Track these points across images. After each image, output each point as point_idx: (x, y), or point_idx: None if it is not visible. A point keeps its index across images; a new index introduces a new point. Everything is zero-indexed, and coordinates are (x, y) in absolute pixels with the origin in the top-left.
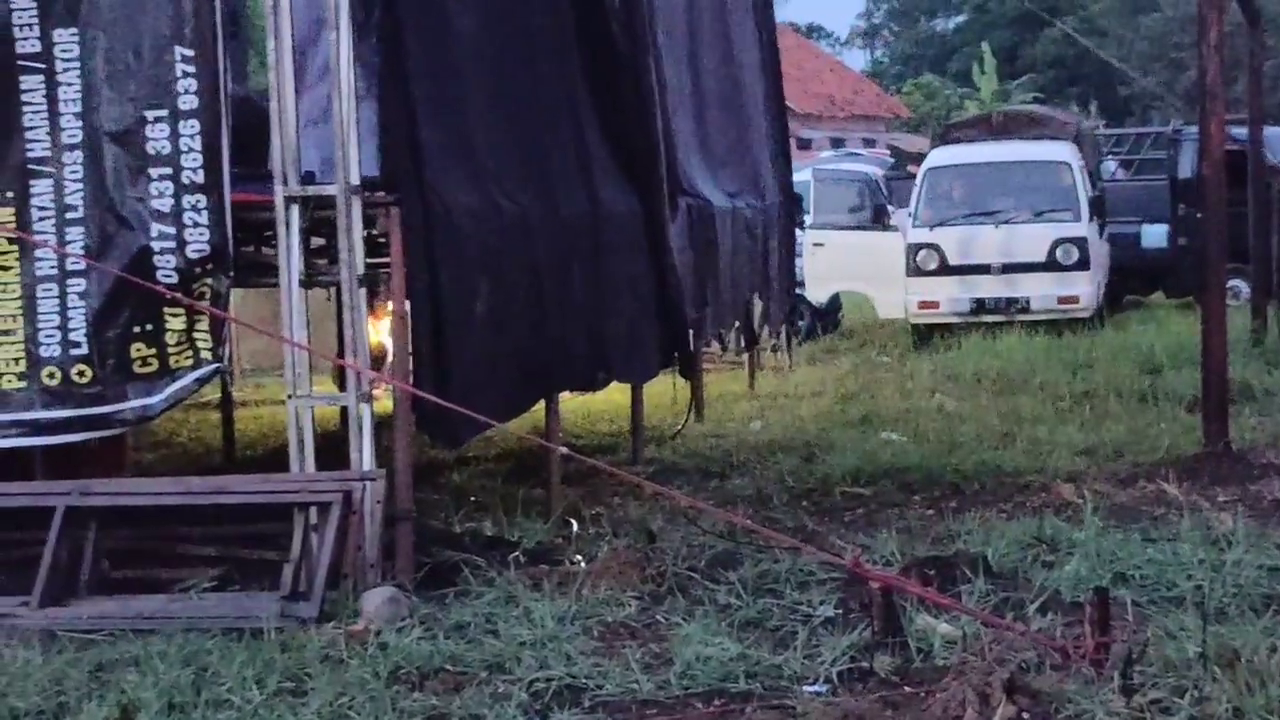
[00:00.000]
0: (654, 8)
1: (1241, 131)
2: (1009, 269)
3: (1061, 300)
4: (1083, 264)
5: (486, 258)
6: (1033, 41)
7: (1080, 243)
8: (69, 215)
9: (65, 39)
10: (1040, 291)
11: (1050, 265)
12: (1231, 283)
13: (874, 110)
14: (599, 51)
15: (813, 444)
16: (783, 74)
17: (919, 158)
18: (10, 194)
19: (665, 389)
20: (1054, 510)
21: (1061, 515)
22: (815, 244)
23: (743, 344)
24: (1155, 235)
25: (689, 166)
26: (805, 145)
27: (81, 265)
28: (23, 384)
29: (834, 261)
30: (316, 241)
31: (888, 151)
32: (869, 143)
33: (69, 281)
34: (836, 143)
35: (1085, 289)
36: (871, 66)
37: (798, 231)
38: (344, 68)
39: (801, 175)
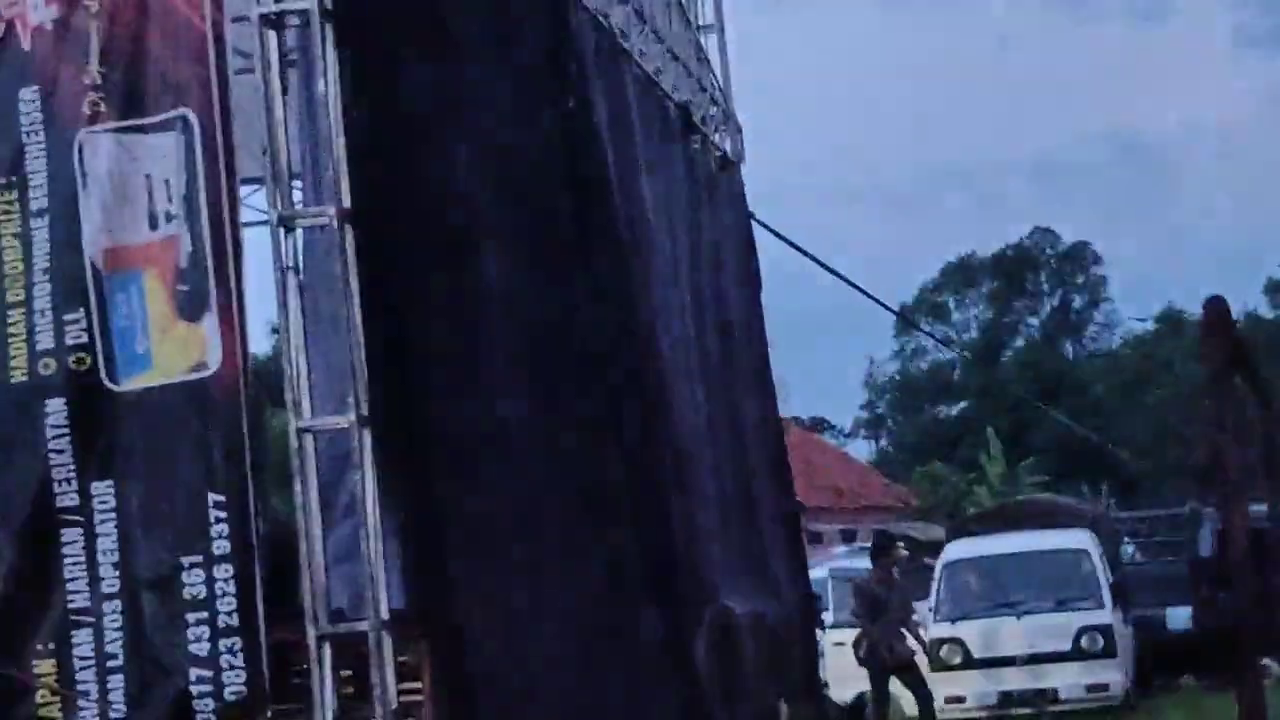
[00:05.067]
0: (674, 423)
1: (1259, 508)
2: (1035, 659)
3: (1090, 688)
4: (1109, 651)
5: (516, 688)
6: (1038, 424)
7: (1105, 630)
8: (109, 664)
9: (102, 491)
10: (1068, 681)
11: (1076, 654)
12: (1263, 662)
13: (882, 500)
14: (631, 474)
15: None
16: (791, 470)
17: (932, 547)
18: (51, 645)
19: None
20: None
21: None
22: (836, 643)
23: None
24: (1181, 617)
25: (711, 575)
26: (816, 539)
27: (122, 713)
28: None
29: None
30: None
31: (901, 543)
32: None
33: None
34: (848, 535)
35: (1114, 676)
36: (877, 456)
37: (818, 631)
38: (370, 505)
39: (818, 573)
